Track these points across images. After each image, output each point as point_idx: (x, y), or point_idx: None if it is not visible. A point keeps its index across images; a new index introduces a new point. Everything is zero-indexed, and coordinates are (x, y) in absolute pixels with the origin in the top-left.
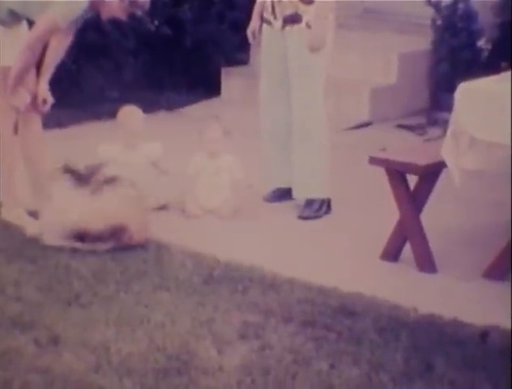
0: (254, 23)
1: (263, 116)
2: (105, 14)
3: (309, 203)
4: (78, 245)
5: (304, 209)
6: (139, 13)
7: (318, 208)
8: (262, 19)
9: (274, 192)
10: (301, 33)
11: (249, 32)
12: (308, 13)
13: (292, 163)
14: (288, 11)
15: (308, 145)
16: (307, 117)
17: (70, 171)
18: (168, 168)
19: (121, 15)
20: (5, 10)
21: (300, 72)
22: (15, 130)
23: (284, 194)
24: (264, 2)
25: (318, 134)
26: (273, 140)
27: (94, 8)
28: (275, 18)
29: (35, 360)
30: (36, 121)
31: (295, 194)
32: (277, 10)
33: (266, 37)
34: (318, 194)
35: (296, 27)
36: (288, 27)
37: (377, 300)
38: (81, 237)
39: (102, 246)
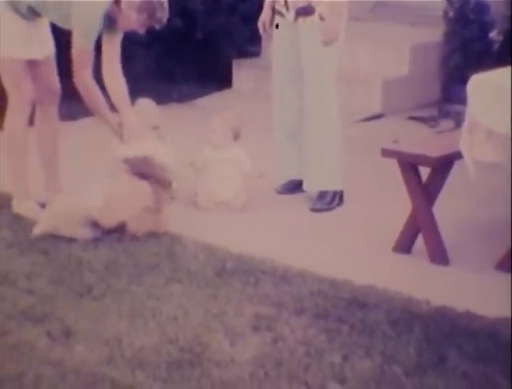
0: (265, 14)
1: (276, 108)
2: (123, 27)
3: (322, 195)
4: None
5: (316, 201)
6: (157, 27)
7: (331, 200)
8: (274, 11)
9: (286, 184)
10: (314, 25)
11: (259, 23)
12: (321, 5)
13: (304, 155)
14: (301, 3)
15: (320, 137)
16: (319, 110)
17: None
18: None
19: (139, 29)
20: (24, 6)
21: (313, 64)
22: (30, 121)
23: (296, 186)
24: None
25: (331, 127)
26: (285, 132)
27: (112, 19)
28: (288, 9)
29: (47, 352)
30: (53, 114)
31: (306, 186)
32: (290, 1)
33: (278, 29)
34: (331, 187)
35: (308, 19)
36: (300, 19)
37: (390, 292)
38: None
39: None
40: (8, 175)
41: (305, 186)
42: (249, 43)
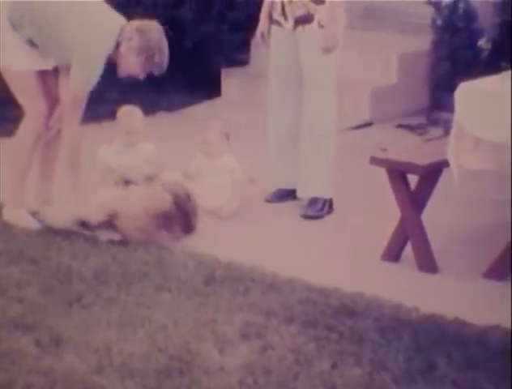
0: (263, 24)
1: (272, 117)
2: (123, 71)
3: (313, 202)
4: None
5: (307, 208)
6: (157, 73)
7: (321, 208)
8: (271, 21)
9: (275, 193)
10: (313, 33)
11: (258, 33)
12: (319, 12)
13: (299, 162)
14: (300, 12)
15: (317, 145)
16: (317, 118)
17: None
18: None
19: (139, 73)
20: (25, 38)
21: (313, 72)
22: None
23: (285, 195)
24: (272, 3)
25: (327, 135)
26: (281, 140)
27: (113, 62)
28: (286, 19)
29: (37, 361)
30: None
31: (300, 192)
32: (287, 10)
33: (276, 39)
34: (323, 193)
35: (308, 27)
36: (299, 28)
37: (379, 300)
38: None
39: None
40: (3, 183)
41: (298, 193)
42: (238, 52)
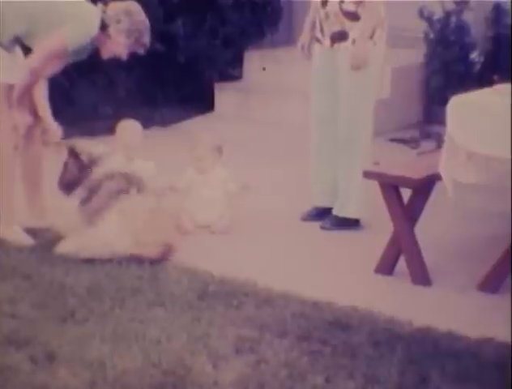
0: (304, 36)
1: (314, 135)
2: (107, 52)
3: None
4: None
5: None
6: (141, 52)
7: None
8: (313, 37)
9: (311, 211)
10: (348, 51)
11: (299, 45)
12: (354, 30)
13: (338, 181)
14: (335, 28)
15: (349, 164)
16: (352, 138)
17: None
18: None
19: (123, 54)
20: (9, 36)
21: (348, 90)
22: (16, 146)
23: (322, 214)
24: (315, 16)
25: (359, 155)
26: (318, 160)
27: (97, 43)
28: (323, 35)
29: (30, 377)
30: (38, 139)
31: (335, 211)
32: (325, 27)
33: (317, 56)
34: (360, 214)
35: (342, 44)
36: (336, 45)
37: (372, 313)
38: None
39: None
40: None
41: (334, 211)
42: (231, 66)
